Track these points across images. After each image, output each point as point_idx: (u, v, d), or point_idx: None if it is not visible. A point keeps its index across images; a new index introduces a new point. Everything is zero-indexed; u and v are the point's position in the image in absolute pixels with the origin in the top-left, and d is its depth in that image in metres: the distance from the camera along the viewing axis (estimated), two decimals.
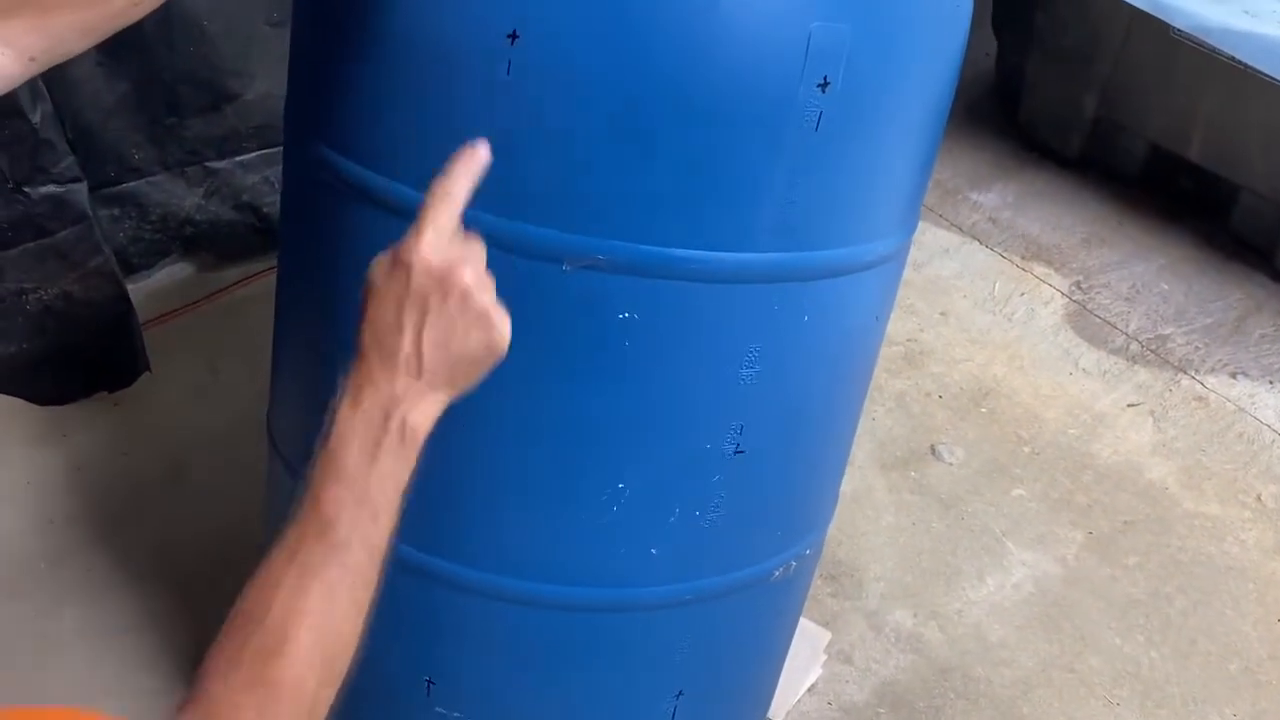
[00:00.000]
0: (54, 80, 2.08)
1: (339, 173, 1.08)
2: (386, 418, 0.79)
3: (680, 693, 1.34)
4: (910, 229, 1.23)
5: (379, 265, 0.82)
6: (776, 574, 1.33)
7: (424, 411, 0.80)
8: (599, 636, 1.26)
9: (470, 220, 0.95)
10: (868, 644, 2.02)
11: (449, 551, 1.18)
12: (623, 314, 1.04)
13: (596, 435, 1.11)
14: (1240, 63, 2.59)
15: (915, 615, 2.10)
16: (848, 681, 1.95)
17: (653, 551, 1.18)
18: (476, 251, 0.83)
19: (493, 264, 0.98)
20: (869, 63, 1.00)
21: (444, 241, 0.81)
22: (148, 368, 2.34)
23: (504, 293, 1.01)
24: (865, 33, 0.99)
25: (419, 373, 0.80)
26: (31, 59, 0.82)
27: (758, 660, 1.49)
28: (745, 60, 0.96)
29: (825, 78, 0.97)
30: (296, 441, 1.30)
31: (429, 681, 1.27)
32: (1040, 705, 1.96)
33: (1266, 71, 2.56)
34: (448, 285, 0.80)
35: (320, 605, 0.76)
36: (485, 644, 1.26)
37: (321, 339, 1.19)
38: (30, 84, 1.96)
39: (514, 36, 0.93)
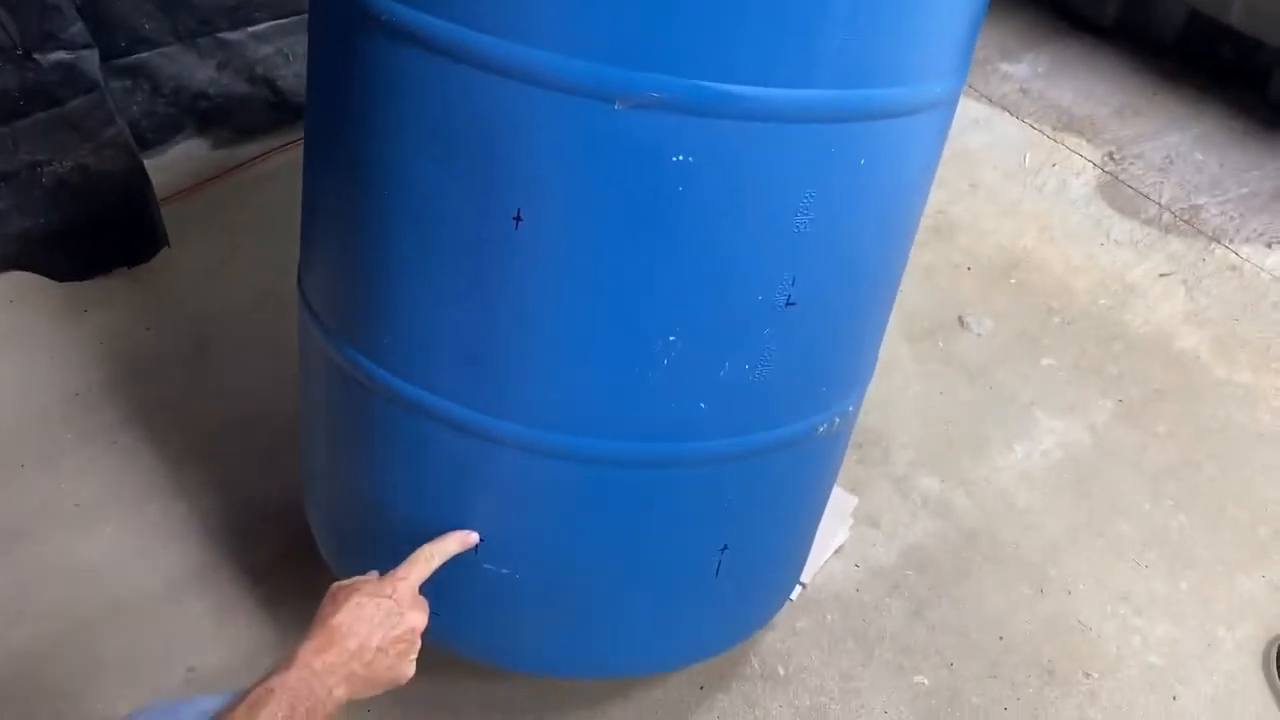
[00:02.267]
0: None
1: (372, 10, 1.02)
2: (329, 685, 1.02)
3: (725, 547, 1.34)
4: (963, 75, 1.18)
5: (365, 582, 1.12)
6: (821, 430, 1.31)
7: (347, 692, 1.04)
8: (647, 491, 1.25)
9: (518, 58, 0.96)
10: (895, 509, 2.02)
11: (496, 407, 1.16)
12: (677, 156, 0.99)
13: (647, 285, 1.08)
14: None
15: (943, 481, 2.09)
16: (874, 545, 1.94)
17: (702, 405, 1.17)
18: (424, 608, 1.14)
19: (542, 104, 0.98)
20: None
21: (416, 587, 1.14)
22: (166, 242, 2.32)
23: (552, 134, 0.98)
24: None
25: (367, 663, 1.05)
26: None
27: (799, 516, 1.49)
28: None
29: None
30: (327, 296, 1.27)
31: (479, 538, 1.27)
32: (1068, 568, 1.96)
33: None
34: (407, 618, 1.10)
35: None
36: (533, 500, 1.25)
37: (353, 188, 1.15)
38: None
39: None
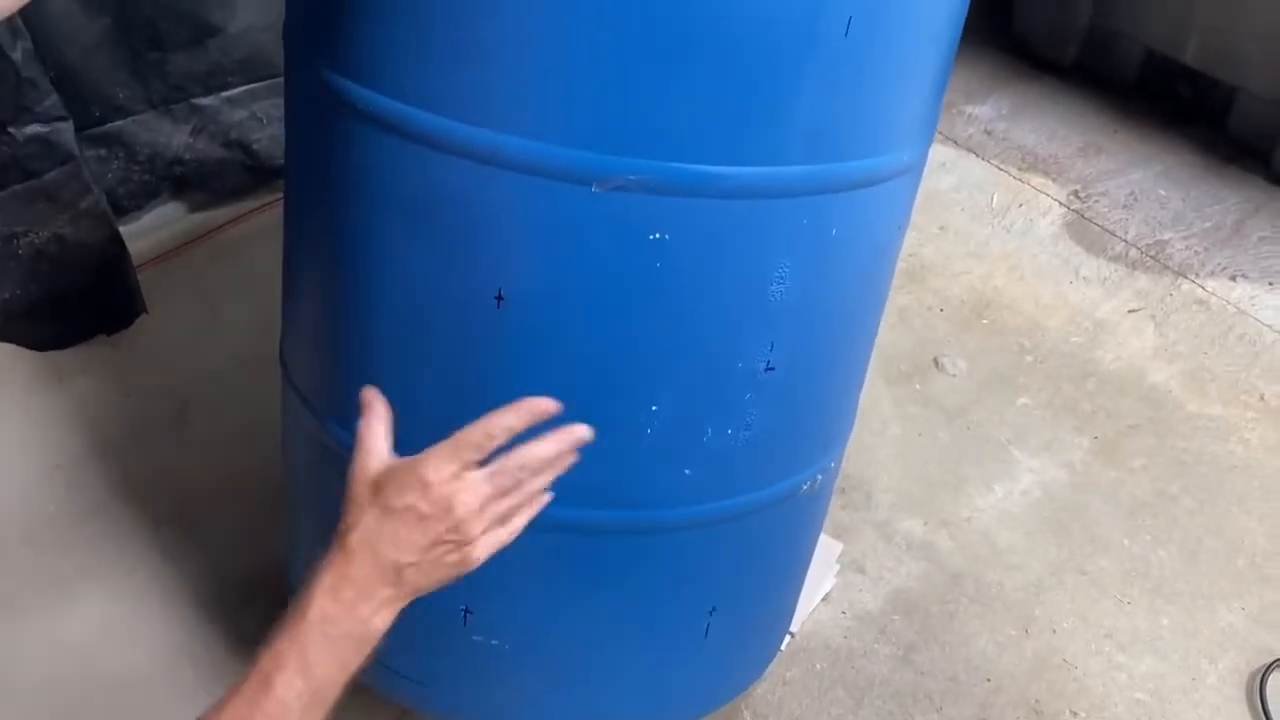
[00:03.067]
0: (32, 17, 2.03)
1: (349, 99, 1.05)
2: (354, 617, 0.85)
3: (714, 609, 1.35)
4: (929, 138, 1.22)
5: (391, 473, 0.87)
6: (805, 488, 1.34)
7: (387, 617, 0.86)
8: (636, 559, 1.27)
9: (502, 146, 0.96)
10: (879, 553, 2.03)
11: None
12: (654, 234, 1.02)
13: (629, 358, 1.10)
14: None
15: (925, 524, 2.10)
16: (861, 590, 1.96)
17: (686, 472, 1.19)
18: (482, 481, 0.88)
19: (522, 189, 0.99)
20: None
21: (462, 472, 0.87)
22: (144, 309, 2.32)
23: (532, 217, 0.99)
24: None
25: (397, 584, 0.86)
26: None
27: (786, 572, 1.51)
28: None
29: None
30: (310, 373, 1.28)
31: (465, 611, 1.27)
32: (1052, 606, 1.98)
33: None
34: (448, 513, 0.86)
35: None
36: (522, 572, 1.25)
37: (335, 269, 1.16)
38: (8, 21, 1.92)
39: None
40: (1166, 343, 2.62)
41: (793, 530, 1.42)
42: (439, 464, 0.86)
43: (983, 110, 3.38)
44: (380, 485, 0.87)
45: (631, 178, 0.98)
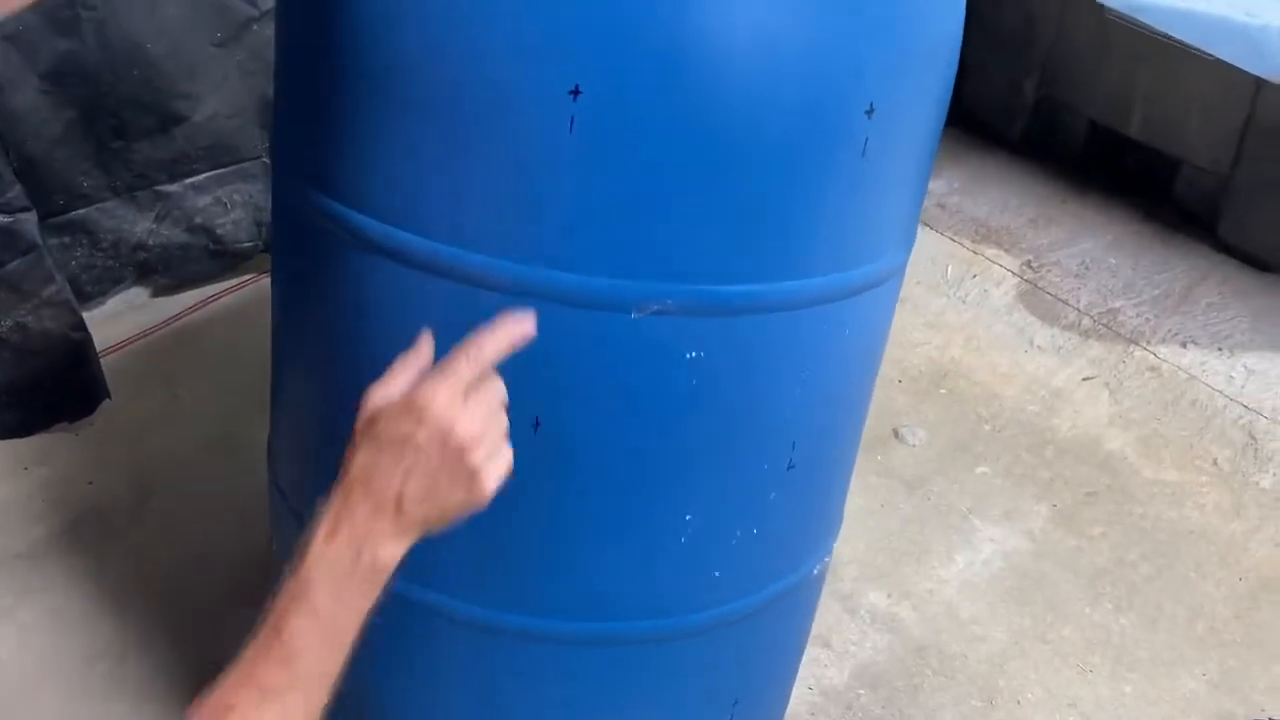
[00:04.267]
0: None
1: (344, 222, 1.07)
2: (358, 555, 0.81)
3: (737, 701, 1.38)
4: (915, 234, 1.29)
5: (387, 405, 0.84)
6: (816, 571, 1.40)
7: (393, 551, 0.82)
8: (668, 663, 1.29)
9: (544, 280, 0.99)
10: (844, 627, 2.05)
11: (518, 604, 1.19)
12: (690, 353, 1.06)
13: (665, 472, 1.14)
14: (1172, 39, 2.64)
15: (889, 596, 2.12)
16: (827, 665, 1.97)
17: (716, 574, 1.22)
18: (484, 405, 0.84)
19: (563, 319, 1.02)
20: (902, 85, 1.05)
21: (458, 398, 0.83)
22: (107, 395, 2.32)
23: (572, 345, 1.03)
24: (901, 58, 1.04)
25: (398, 518, 0.82)
26: None
27: (797, 652, 1.56)
28: (807, 94, 0.98)
29: (871, 104, 1.01)
30: (299, 481, 1.30)
31: None
32: (1016, 677, 1.99)
33: (1197, 46, 2.61)
34: (447, 441, 0.82)
35: None
36: (553, 686, 1.27)
37: (323, 382, 1.18)
38: None
39: (576, 92, 0.93)
40: (1121, 410, 2.67)
41: (804, 612, 1.48)
42: (432, 392, 0.82)
43: (936, 184, 3.45)
44: (375, 419, 0.84)
45: (669, 302, 1.02)
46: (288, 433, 1.32)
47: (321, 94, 1.06)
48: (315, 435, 1.24)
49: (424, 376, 0.84)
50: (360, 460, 0.82)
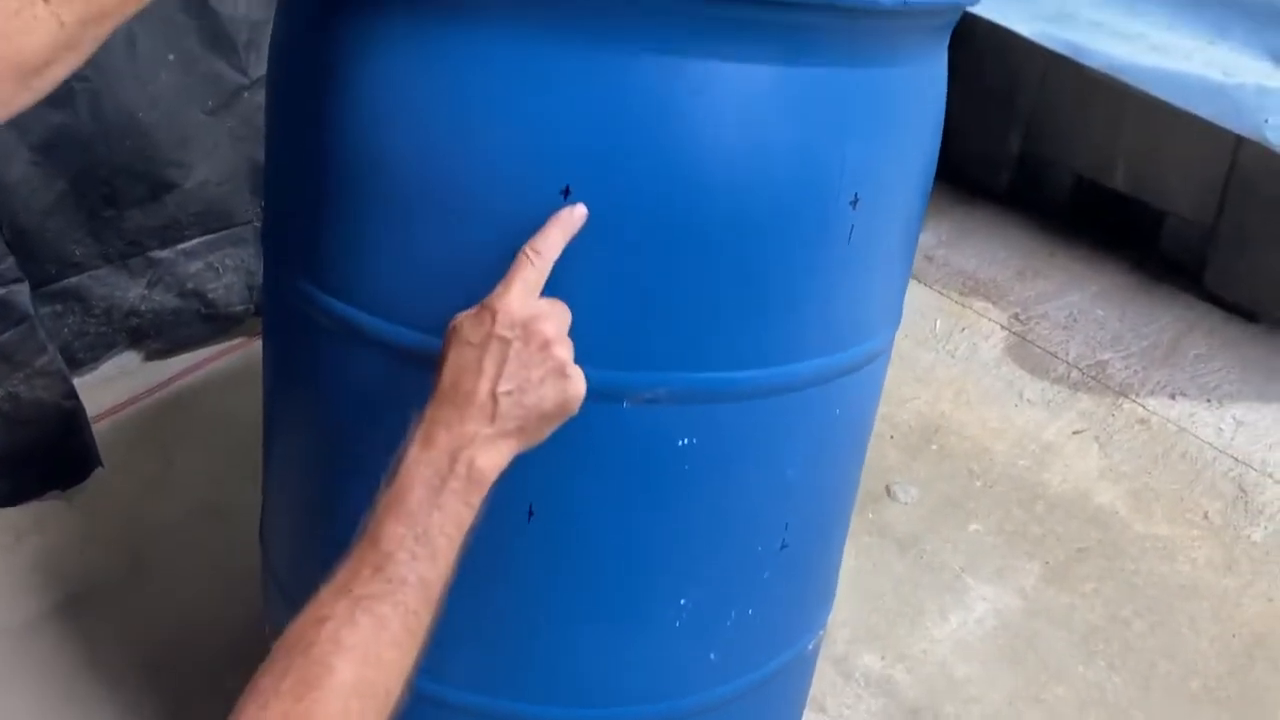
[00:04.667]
0: None
1: (331, 312, 1.08)
2: (454, 459, 0.81)
3: None
4: (902, 307, 1.32)
5: (465, 315, 0.86)
6: (810, 646, 1.41)
7: (492, 457, 0.82)
8: None
9: None
10: (839, 691, 2.04)
11: (516, 691, 1.20)
12: (682, 440, 1.07)
13: (659, 558, 1.15)
14: (1152, 96, 2.68)
15: (883, 658, 2.12)
16: None
17: (712, 657, 1.23)
18: (560, 310, 0.87)
19: None
20: (886, 172, 1.08)
21: (530, 296, 0.86)
22: (100, 463, 2.32)
23: (569, 433, 1.03)
24: (885, 147, 1.06)
25: (492, 418, 0.82)
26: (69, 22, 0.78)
27: None
28: (793, 189, 1.00)
29: (856, 195, 1.03)
30: (292, 564, 1.30)
31: None
32: None
33: (1177, 103, 2.65)
34: (529, 335, 0.84)
35: (368, 639, 0.75)
36: None
37: (312, 467, 1.20)
38: None
39: (566, 192, 0.95)
40: (1111, 463, 2.68)
41: (800, 685, 1.49)
42: (505, 291, 0.85)
43: (924, 237, 3.48)
44: (456, 328, 0.86)
45: (662, 390, 1.04)
46: (279, 513, 1.32)
47: (310, 187, 1.07)
48: (306, 518, 1.24)
49: (499, 285, 0.86)
50: (448, 367, 0.83)
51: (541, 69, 0.94)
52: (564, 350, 0.86)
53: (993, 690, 2.08)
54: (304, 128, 1.07)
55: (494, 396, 0.82)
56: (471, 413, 0.82)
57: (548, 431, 0.87)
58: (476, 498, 0.82)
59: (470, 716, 1.20)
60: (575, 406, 0.87)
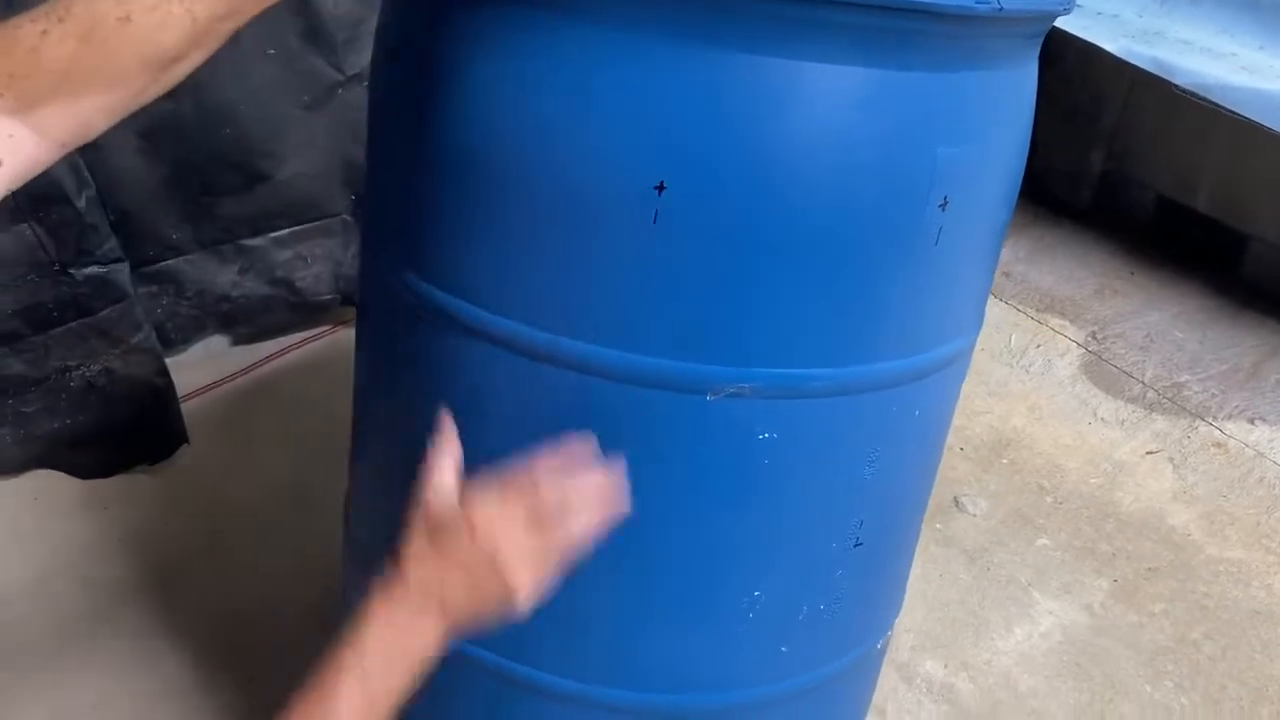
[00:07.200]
0: (97, 166, 2.16)
1: (432, 302, 1.12)
2: (409, 640, 0.90)
3: None
4: (983, 314, 1.32)
5: (447, 516, 0.91)
6: (880, 645, 1.43)
7: (434, 645, 0.91)
8: None
9: (619, 360, 1.05)
10: (900, 696, 2.05)
11: (588, 676, 1.23)
12: (763, 434, 1.10)
13: (735, 549, 1.17)
14: (1241, 116, 2.65)
15: (946, 666, 2.12)
16: None
17: (783, 650, 1.25)
18: (548, 525, 0.92)
19: (642, 400, 1.07)
20: (976, 176, 1.09)
21: (512, 516, 0.91)
22: (186, 440, 2.40)
23: (651, 427, 1.08)
24: (975, 151, 1.07)
25: (441, 619, 0.90)
26: (63, 145, 0.83)
27: None
28: (882, 189, 1.02)
29: (945, 197, 1.05)
30: (375, 532, 1.35)
31: None
32: None
33: (1267, 124, 2.62)
34: (493, 564, 0.91)
35: None
36: None
37: (404, 449, 1.22)
38: (75, 170, 2.05)
39: (661, 188, 0.98)
40: (1185, 485, 2.65)
41: (865, 685, 1.50)
42: (486, 509, 0.91)
43: (1002, 253, 3.46)
44: (437, 532, 0.91)
45: (746, 386, 1.06)
46: (367, 489, 1.37)
47: (417, 179, 1.11)
48: (393, 494, 1.28)
49: (484, 489, 0.92)
50: (425, 568, 0.91)
51: (647, 67, 0.96)
52: (519, 572, 0.92)
53: (1055, 704, 2.07)
54: (412, 120, 1.11)
55: (446, 604, 0.91)
56: (431, 611, 0.91)
57: (484, 624, 0.94)
58: (417, 673, 0.91)
59: (552, 699, 1.24)
60: (517, 616, 0.94)
